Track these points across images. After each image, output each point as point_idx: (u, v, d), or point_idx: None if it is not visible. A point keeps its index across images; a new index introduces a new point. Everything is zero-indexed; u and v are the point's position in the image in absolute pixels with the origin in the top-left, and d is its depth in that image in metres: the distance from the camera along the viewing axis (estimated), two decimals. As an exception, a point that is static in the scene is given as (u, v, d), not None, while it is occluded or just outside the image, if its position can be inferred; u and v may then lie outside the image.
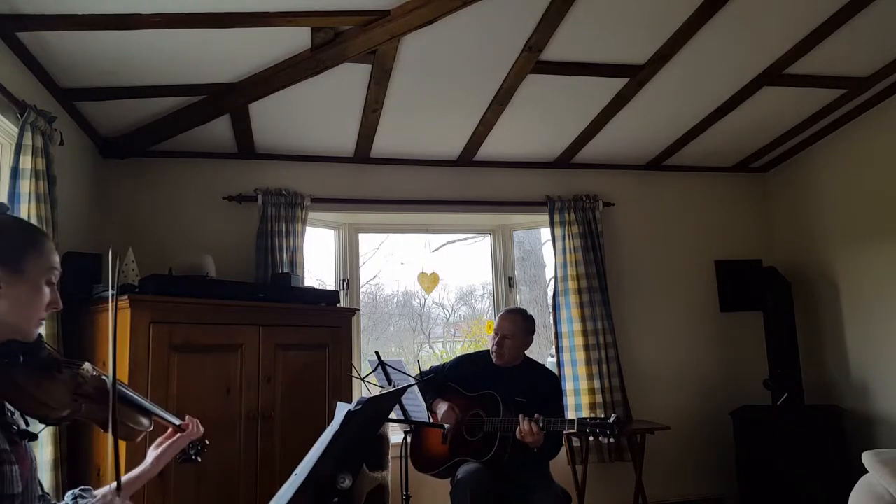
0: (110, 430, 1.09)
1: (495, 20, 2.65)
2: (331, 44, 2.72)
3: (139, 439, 1.43)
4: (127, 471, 1.49)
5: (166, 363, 2.46)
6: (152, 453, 1.52)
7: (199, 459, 1.60)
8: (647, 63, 3.05)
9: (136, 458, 1.52)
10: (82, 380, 1.22)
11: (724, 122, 3.73)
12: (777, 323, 3.92)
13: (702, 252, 4.37)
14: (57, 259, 1.21)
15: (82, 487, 1.40)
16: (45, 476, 2.30)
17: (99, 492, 1.39)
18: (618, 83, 3.22)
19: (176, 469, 2.43)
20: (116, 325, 1.05)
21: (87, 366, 1.25)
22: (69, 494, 1.37)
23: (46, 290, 1.17)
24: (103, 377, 1.27)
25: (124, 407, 1.37)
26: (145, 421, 1.42)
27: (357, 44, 2.70)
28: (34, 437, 1.17)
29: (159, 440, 1.55)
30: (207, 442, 1.62)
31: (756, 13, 2.74)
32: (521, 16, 2.64)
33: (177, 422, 1.55)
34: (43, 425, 1.17)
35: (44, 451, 2.31)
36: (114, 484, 1.05)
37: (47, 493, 1.32)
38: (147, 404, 1.46)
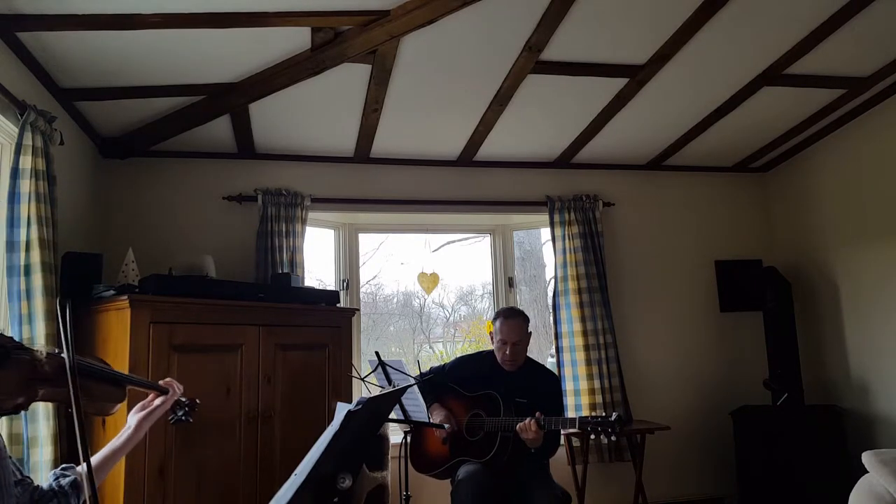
0: (73, 409, 1.03)
1: (495, 20, 2.65)
2: (331, 44, 2.72)
3: (114, 411, 1.39)
4: (109, 439, 1.46)
5: (166, 363, 2.46)
6: (133, 417, 1.48)
7: (191, 420, 1.57)
8: (647, 63, 3.05)
9: (119, 427, 1.48)
10: (38, 363, 1.18)
11: (724, 122, 3.73)
12: (777, 323, 3.92)
13: (702, 252, 4.37)
14: None
15: (64, 465, 1.38)
16: (46, 474, 2.29)
17: (80, 468, 1.35)
18: (618, 83, 3.22)
19: (176, 469, 2.43)
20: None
21: (39, 346, 1.21)
22: (51, 474, 1.36)
23: None
24: (61, 355, 1.21)
25: (91, 382, 1.32)
26: (118, 392, 1.38)
27: (357, 44, 2.70)
28: None
29: (140, 404, 1.50)
30: (198, 401, 1.59)
31: (756, 13, 2.74)
32: (521, 16, 2.64)
33: (154, 386, 1.51)
34: None
35: (43, 451, 2.31)
36: (84, 466, 1.01)
37: (28, 477, 1.30)
38: (117, 373, 1.40)
